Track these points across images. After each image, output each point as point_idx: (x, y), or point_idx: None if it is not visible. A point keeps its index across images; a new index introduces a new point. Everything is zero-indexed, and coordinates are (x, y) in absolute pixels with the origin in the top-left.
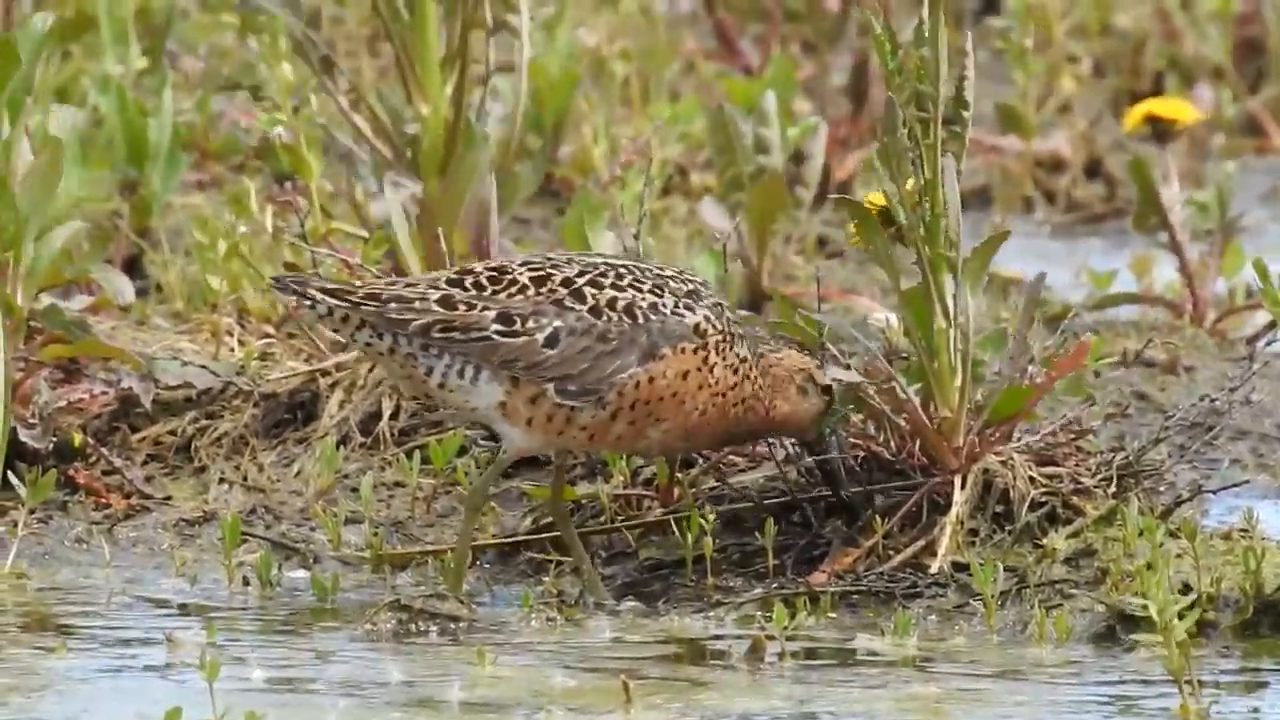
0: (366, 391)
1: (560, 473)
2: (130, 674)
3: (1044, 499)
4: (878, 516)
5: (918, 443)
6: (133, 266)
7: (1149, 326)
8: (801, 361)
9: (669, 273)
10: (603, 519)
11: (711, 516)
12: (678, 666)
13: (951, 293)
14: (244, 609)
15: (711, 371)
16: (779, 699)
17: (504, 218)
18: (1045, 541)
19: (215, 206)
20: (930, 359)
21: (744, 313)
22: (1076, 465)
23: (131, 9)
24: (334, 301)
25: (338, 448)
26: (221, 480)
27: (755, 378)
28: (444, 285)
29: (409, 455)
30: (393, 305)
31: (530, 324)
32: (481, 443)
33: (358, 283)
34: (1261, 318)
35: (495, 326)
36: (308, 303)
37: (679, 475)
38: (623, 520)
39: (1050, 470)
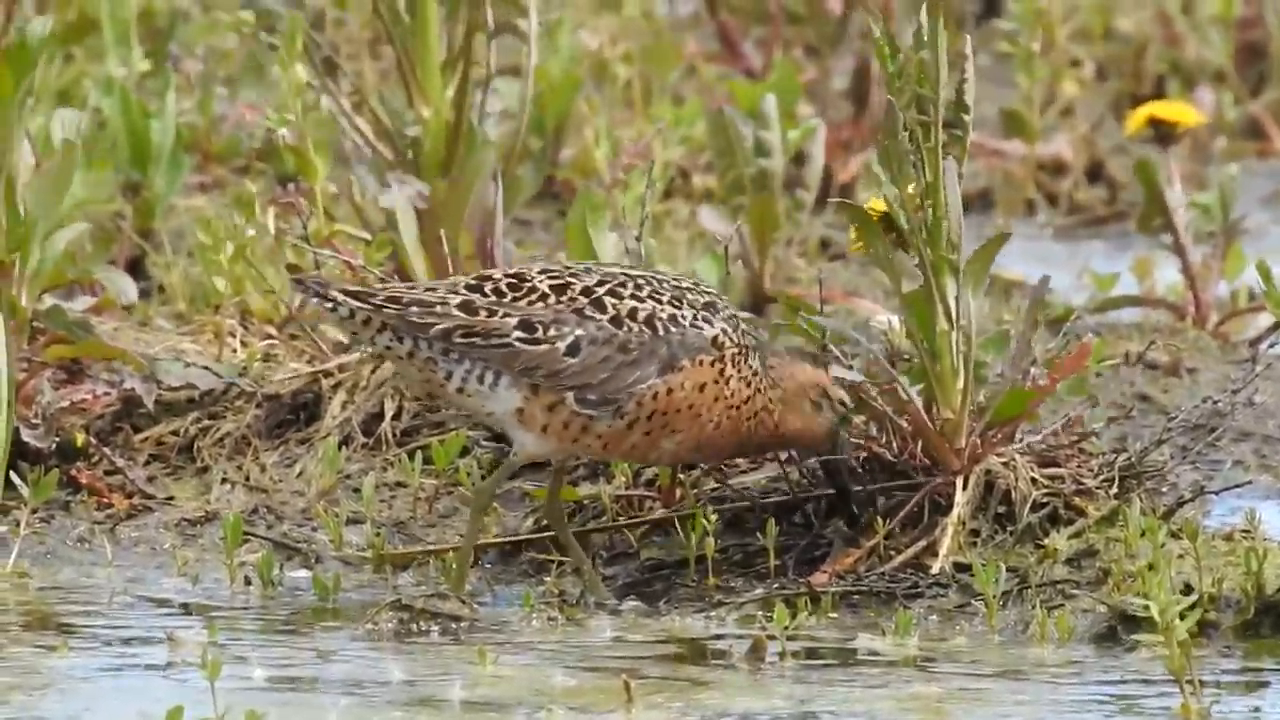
0: (369, 392)
1: (558, 475)
2: (132, 673)
3: (1046, 500)
4: (879, 517)
5: (920, 444)
6: (136, 268)
7: (1151, 329)
8: (815, 376)
9: (686, 284)
10: (604, 519)
11: (713, 517)
12: (679, 666)
13: (953, 295)
14: (246, 608)
15: (727, 384)
16: (780, 699)
17: (506, 220)
18: (1047, 542)
19: (218, 208)
20: (932, 361)
21: (746, 314)
22: (1078, 466)
23: (134, 11)
24: (356, 304)
25: (340, 448)
26: (224, 480)
27: (766, 390)
28: (464, 291)
29: (411, 456)
30: (414, 309)
31: (552, 332)
32: (484, 444)
33: (378, 285)
34: (1264, 320)
35: (517, 334)
36: (329, 304)
37: (680, 476)
38: (624, 520)
39: (1052, 471)
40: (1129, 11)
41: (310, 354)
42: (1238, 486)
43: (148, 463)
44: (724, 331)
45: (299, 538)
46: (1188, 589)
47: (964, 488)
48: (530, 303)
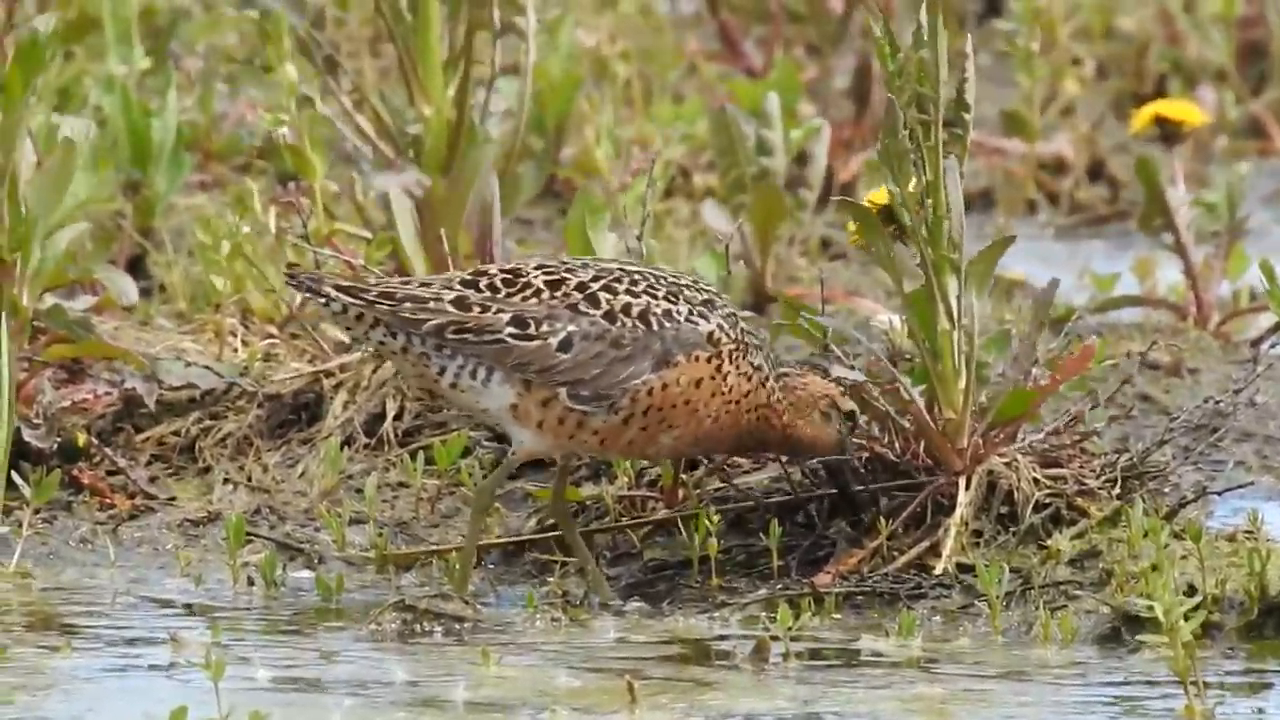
0: (370, 392)
1: (563, 474)
2: (135, 674)
3: (1048, 500)
4: (882, 518)
5: (922, 444)
6: (136, 267)
7: (1152, 329)
8: (825, 387)
9: (684, 280)
10: (608, 520)
11: (716, 517)
12: (682, 667)
13: (955, 294)
14: (249, 609)
15: (725, 379)
16: (783, 699)
17: (506, 219)
18: (1050, 543)
19: (219, 207)
20: (934, 361)
21: (747, 314)
22: (1081, 467)
23: (135, 10)
24: (348, 299)
25: (342, 448)
26: (226, 481)
27: (771, 387)
28: (458, 286)
29: (413, 456)
30: (407, 305)
31: (544, 328)
32: (486, 443)
33: (371, 280)
34: (1266, 320)
35: (509, 329)
36: (322, 300)
37: (684, 476)
38: (628, 521)
39: (1055, 472)
40: (1130, 10)
41: (312, 353)
42: (1240, 487)
43: (149, 463)
44: (720, 327)
45: (302, 538)
46: (1191, 590)
47: (966, 488)
48: (524, 298)
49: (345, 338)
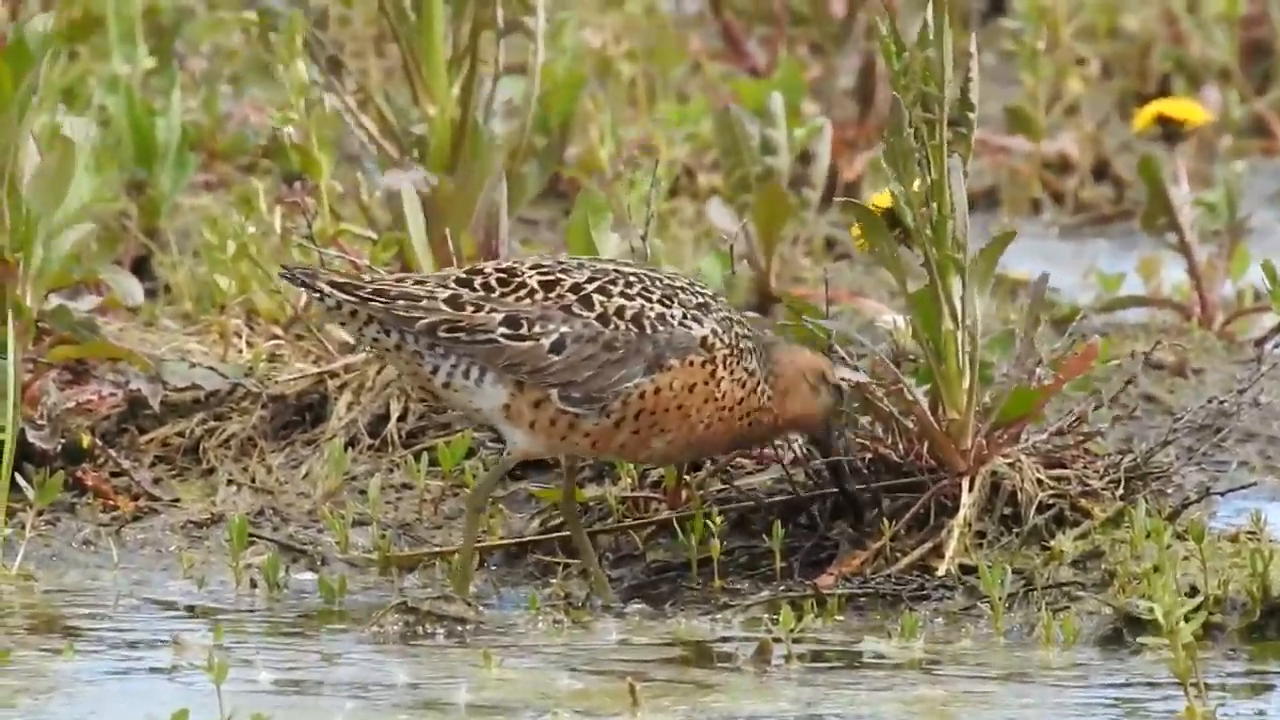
0: (374, 394)
1: (571, 474)
2: (138, 676)
3: (1052, 501)
4: (885, 519)
5: (925, 445)
6: (141, 267)
7: (1157, 329)
8: (814, 360)
9: (680, 283)
10: (610, 521)
11: (719, 519)
12: (684, 669)
13: (959, 294)
14: (251, 611)
15: (718, 385)
16: (786, 701)
17: (511, 218)
18: (1053, 544)
19: (223, 207)
20: (938, 361)
21: (751, 314)
22: (1084, 467)
23: (139, 9)
24: (342, 296)
25: (345, 450)
26: (229, 482)
27: (764, 390)
28: (453, 285)
29: (417, 457)
30: (400, 302)
31: (537, 329)
32: (489, 445)
33: (366, 277)
34: (1269, 320)
35: (502, 330)
36: (316, 295)
37: (686, 477)
38: (630, 522)
39: (1058, 472)
40: (1134, 9)
41: (316, 354)
42: (1243, 488)
43: (153, 464)
44: (714, 332)
45: (305, 540)
46: (1193, 591)
47: (970, 489)
48: (518, 298)
49: (349, 338)
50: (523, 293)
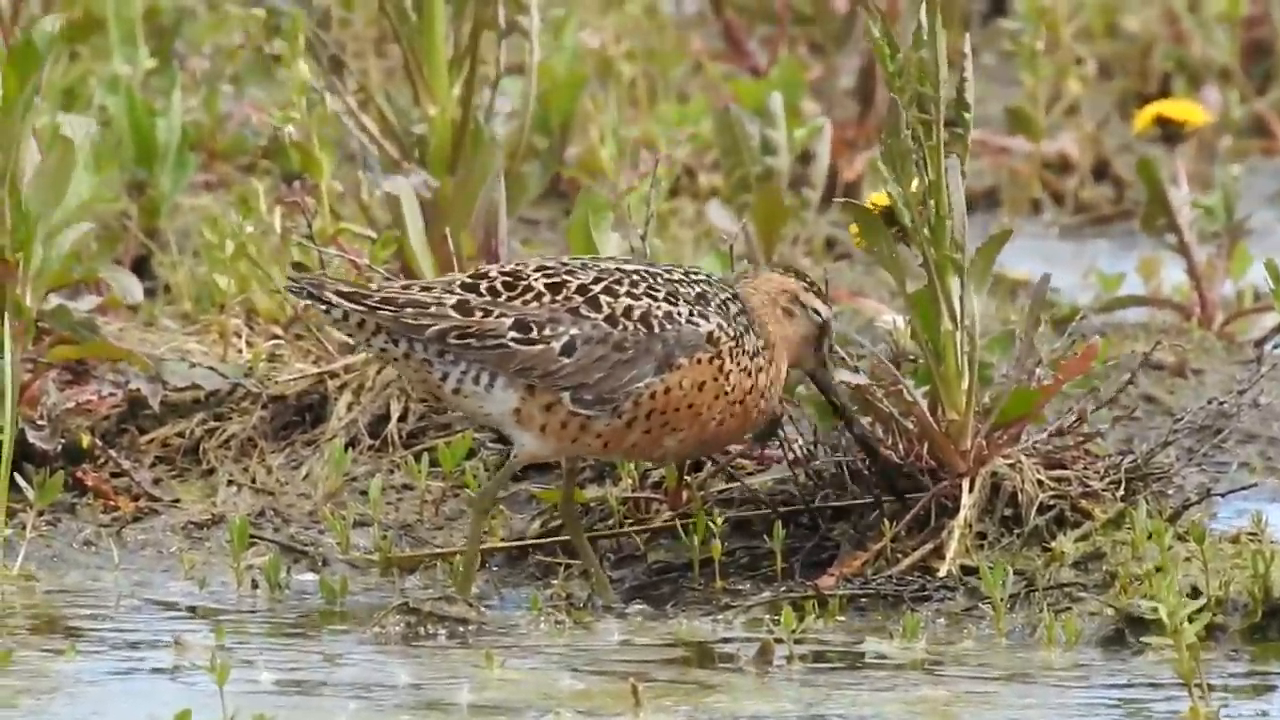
0: (375, 394)
1: (571, 476)
2: (140, 677)
3: (1052, 502)
4: (886, 520)
5: (925, 446)
6: (141, 267)
7: (1157, 329)
8: (783, 282)
9: (677, 275)
10: (611, 522)
11: (720, 519)
12: (686, 669)
13: (958, 295)
14: (252, 612)
15: (727, 379)
16: (787, 702)
17: (511, 218)
18: (1053, 545)
19: (223, 207)
20: (937, 361)
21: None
22: (1085, 468)
23: (139, 10)
24: (350, 306)
25: (346, 450)
26: (230, 483)
27: (769, 364)
28: (459, 290)
29: (417, 458)
30: (409, 310)
31: (546, 331)
32: (490, 445)
33: (373, 285)
34: (1269, 320)
35: (512, 334)
36: (322, 307)
37: (687, 478)
38: (631, 523)
39: (1058, 473)
40: (1134, 10)
41: (316, 354)
42: (1244, 488)
43: (153, 464)
44: (720, 325)
45: (306, 540)
46: (1195, 592)
47: (970, 490)
48: (525, 302)
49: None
50: (529, 296)
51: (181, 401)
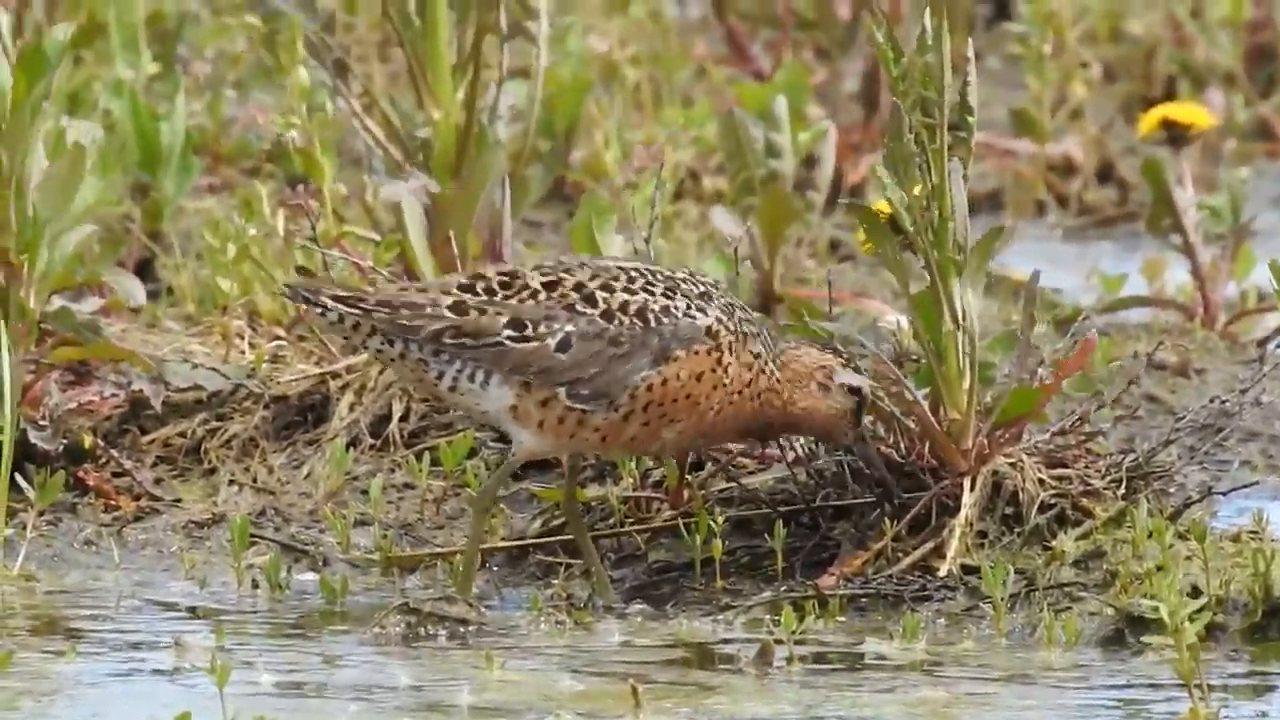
0: (376, 394)
1: (573, 474)
2: (140, 678)
3: (1053, 501)
4: (887, 519)
5: (927, 445)
6: (144, 269)
7: (1160, 329)
8: (820, 358)
9: (680, 275)
10: (612, 521)
11: (721, 519)
12: (686, 670)
13: (959, 296)
14: (253, 612)
15: (726, 371)
16: (787, 703)
17: (515, 221)
18: (1054, 544)
19: (227, 210)
20: (939, 361)
21: (756, 314)
22: (1086, 467)
23: (142, 14)
24: (346, 309)
25: (347, 450)
26: (231, 482)
27: (772, 371)
28: (455, 290)
29: (418, 457)
30: (404, 312)
31: (541, 329)
32: (491, 445)
33: (370, 288)
34: (1272, 320)
35: (507, 332)
36: (319, 310)
37: (688, 478)
38: (632, 523)
39: (1059, 472)
40: (1139, 14)
41: (318, 355)
42: (1245, 487)
43: (155, 465)
44: (719, 320)
45: (306, 540)
46: (1195, 591)
47: (971, 489)
48: (520, 300)
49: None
50: (525, 294)
51: (183, 402)
